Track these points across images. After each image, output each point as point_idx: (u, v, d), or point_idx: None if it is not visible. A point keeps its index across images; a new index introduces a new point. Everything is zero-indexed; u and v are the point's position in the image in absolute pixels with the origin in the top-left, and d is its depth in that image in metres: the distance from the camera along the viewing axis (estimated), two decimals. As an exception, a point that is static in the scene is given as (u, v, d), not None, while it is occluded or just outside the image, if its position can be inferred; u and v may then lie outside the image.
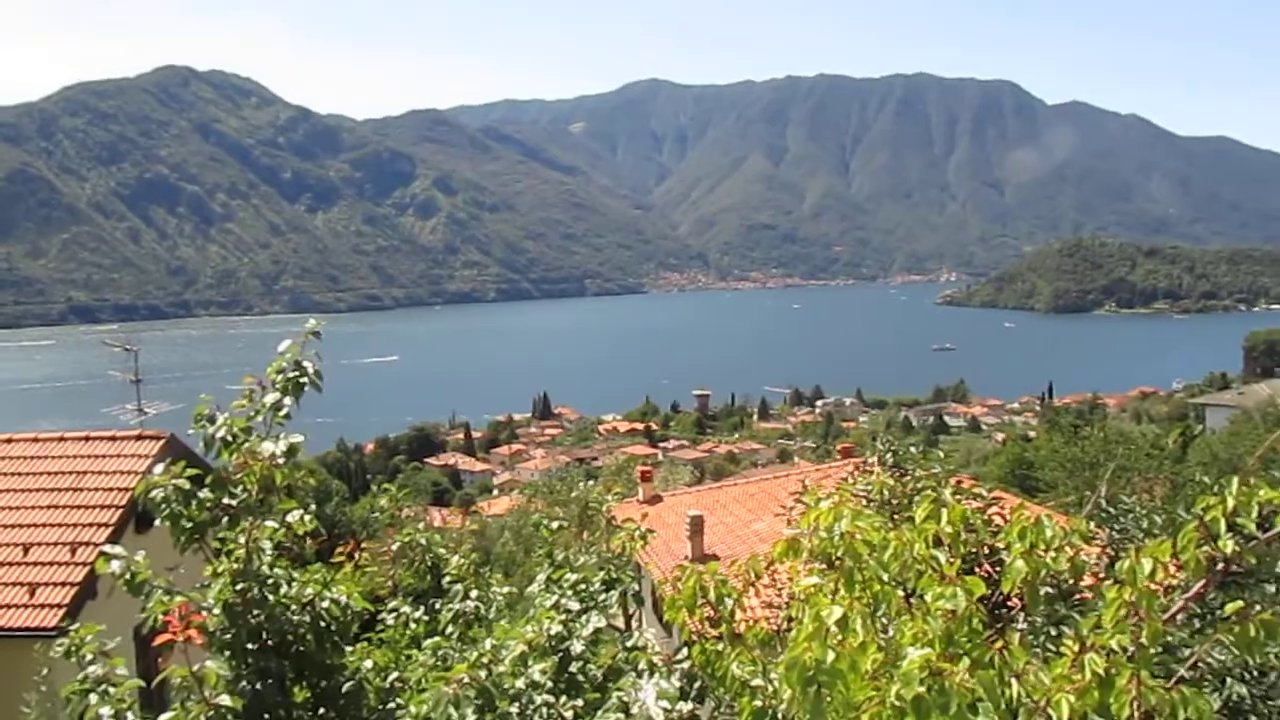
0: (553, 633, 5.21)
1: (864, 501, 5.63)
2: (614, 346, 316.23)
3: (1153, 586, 2.79)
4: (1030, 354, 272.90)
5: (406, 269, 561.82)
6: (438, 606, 6.36)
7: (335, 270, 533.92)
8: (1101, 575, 5.92)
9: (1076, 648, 2.75)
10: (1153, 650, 2.73)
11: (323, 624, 4.91)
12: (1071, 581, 5.07)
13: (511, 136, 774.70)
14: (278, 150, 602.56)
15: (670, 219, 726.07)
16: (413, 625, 6.37)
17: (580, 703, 4.97)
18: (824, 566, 3.28)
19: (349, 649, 5.14)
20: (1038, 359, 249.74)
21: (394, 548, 6.81)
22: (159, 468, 4.96)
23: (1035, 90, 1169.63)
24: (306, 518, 5.08)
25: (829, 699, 2.87)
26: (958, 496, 5.38)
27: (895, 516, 5.58)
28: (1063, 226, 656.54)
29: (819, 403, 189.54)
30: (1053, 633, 5.26)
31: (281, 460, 4.84)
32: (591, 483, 39.16)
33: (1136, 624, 2.74)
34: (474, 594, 6.31)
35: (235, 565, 4.80)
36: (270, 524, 4.94)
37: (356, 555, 6.51)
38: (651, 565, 20.24)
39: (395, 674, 5.45)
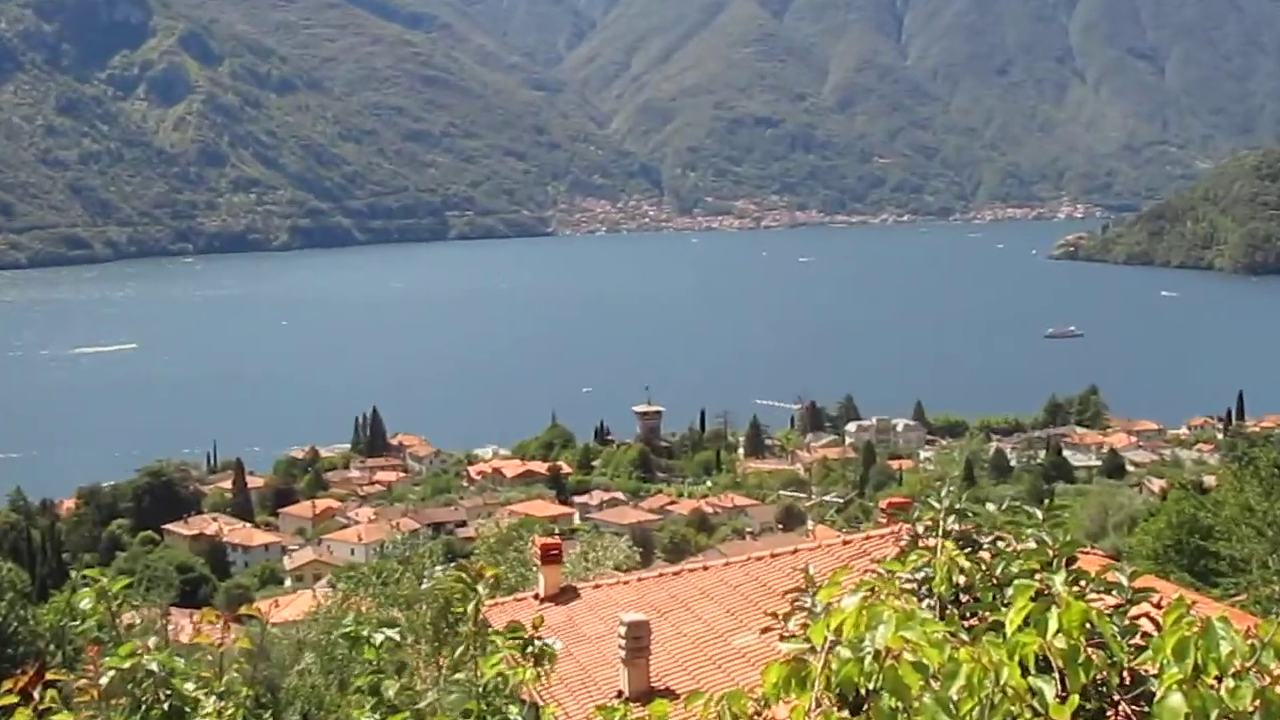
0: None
1: (918, 596, 5.70)
2: (495, 330, 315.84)
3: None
4: (1207, 344, 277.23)
5: (134, 192, 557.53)
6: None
7: (8, 195, 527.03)
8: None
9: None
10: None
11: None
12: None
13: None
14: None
15: (594, 108, 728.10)
16: (138, 814, 6.34)
17: None
18: (846, 712, 3.30)
19: None
20: (1219, 354, 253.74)
21: (106, 679, 6.76)
22: None
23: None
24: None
25: None
26: (1078, 586, 5.46)
27: (970, 621, 5.65)
28: (1261, 128, 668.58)
29: (852, 426, 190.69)
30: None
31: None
32: (455, 565, 39.15)
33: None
34: (246, 759, 6.30)
35: None
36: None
37: (39, 692, 6.45)
38: (556, 708, 20.30)
39: None
